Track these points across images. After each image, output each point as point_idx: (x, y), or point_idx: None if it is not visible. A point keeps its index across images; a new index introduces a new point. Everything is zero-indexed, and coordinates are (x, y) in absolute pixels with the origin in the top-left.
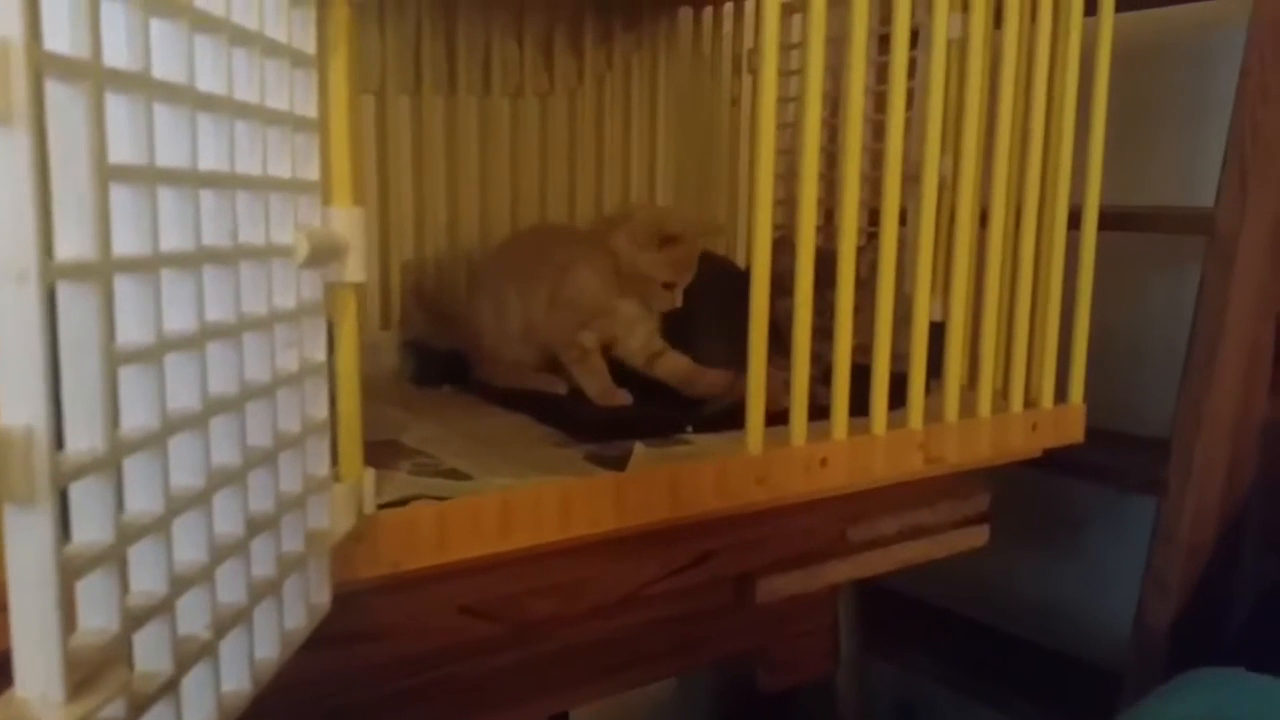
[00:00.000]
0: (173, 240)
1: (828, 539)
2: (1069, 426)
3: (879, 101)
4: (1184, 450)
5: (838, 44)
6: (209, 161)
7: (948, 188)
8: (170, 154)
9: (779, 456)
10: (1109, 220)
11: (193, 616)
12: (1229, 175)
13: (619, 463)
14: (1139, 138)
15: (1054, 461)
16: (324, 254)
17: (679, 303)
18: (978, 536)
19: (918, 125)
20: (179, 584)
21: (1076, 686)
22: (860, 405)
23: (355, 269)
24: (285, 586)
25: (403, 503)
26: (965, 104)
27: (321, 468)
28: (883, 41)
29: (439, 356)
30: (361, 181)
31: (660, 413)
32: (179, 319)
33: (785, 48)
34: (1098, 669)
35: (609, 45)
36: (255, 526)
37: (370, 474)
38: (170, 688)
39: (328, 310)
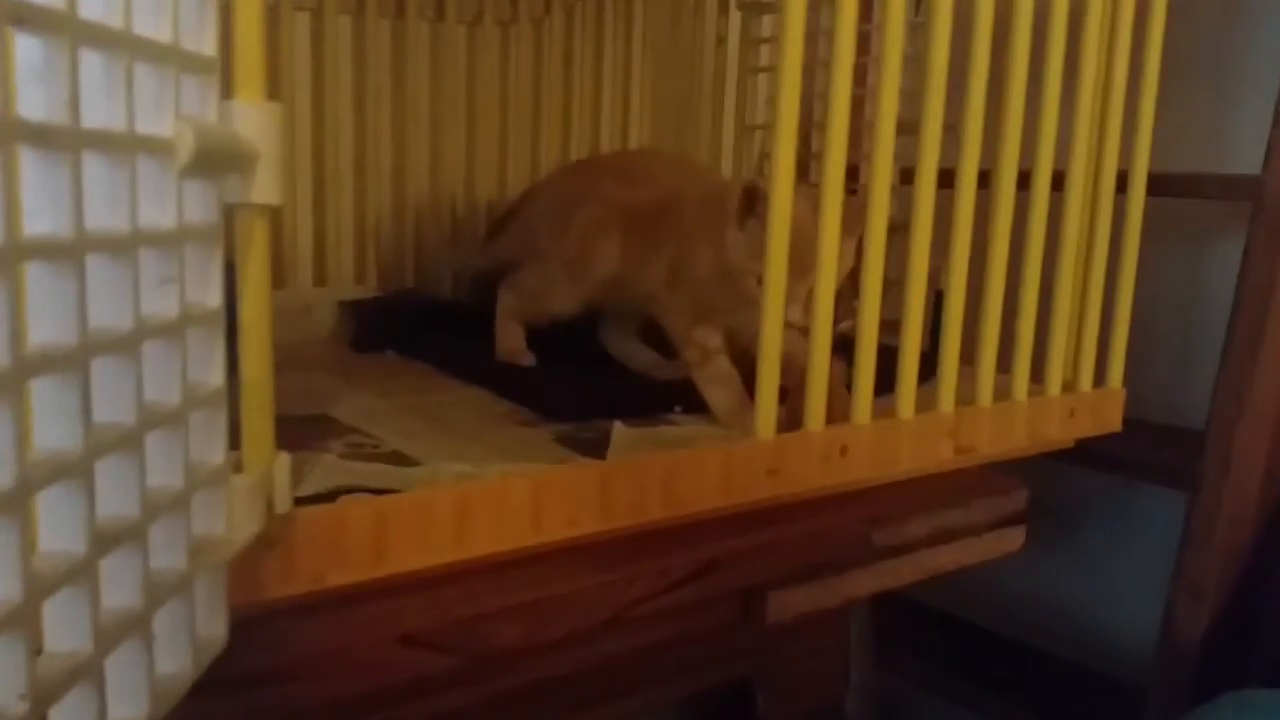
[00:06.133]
0: None
1: (849, 544)
2: (1107, 413)
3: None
4: (1221, 441)
5: None
6: None
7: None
8: None
9: (793, 443)
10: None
11: None
12: (1279, 135)
13: (595, 446)
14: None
15: (1073, 452)
16: (220, 160)
17: (788, 317)
18: (1014, 540)
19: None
20: None
21: (1095, 703)
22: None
23: (267, 187)
24: (158, 620)
25: (330, 496)
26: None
27: (214, 454)
28: None
29: (383, 318)
30: (289, 92)
31: (644, 390)
32: None
33: None
34: (1115, 684)
35: None
36: (106, 539)
37: (285, 461)
38: None
39: (228, 240)
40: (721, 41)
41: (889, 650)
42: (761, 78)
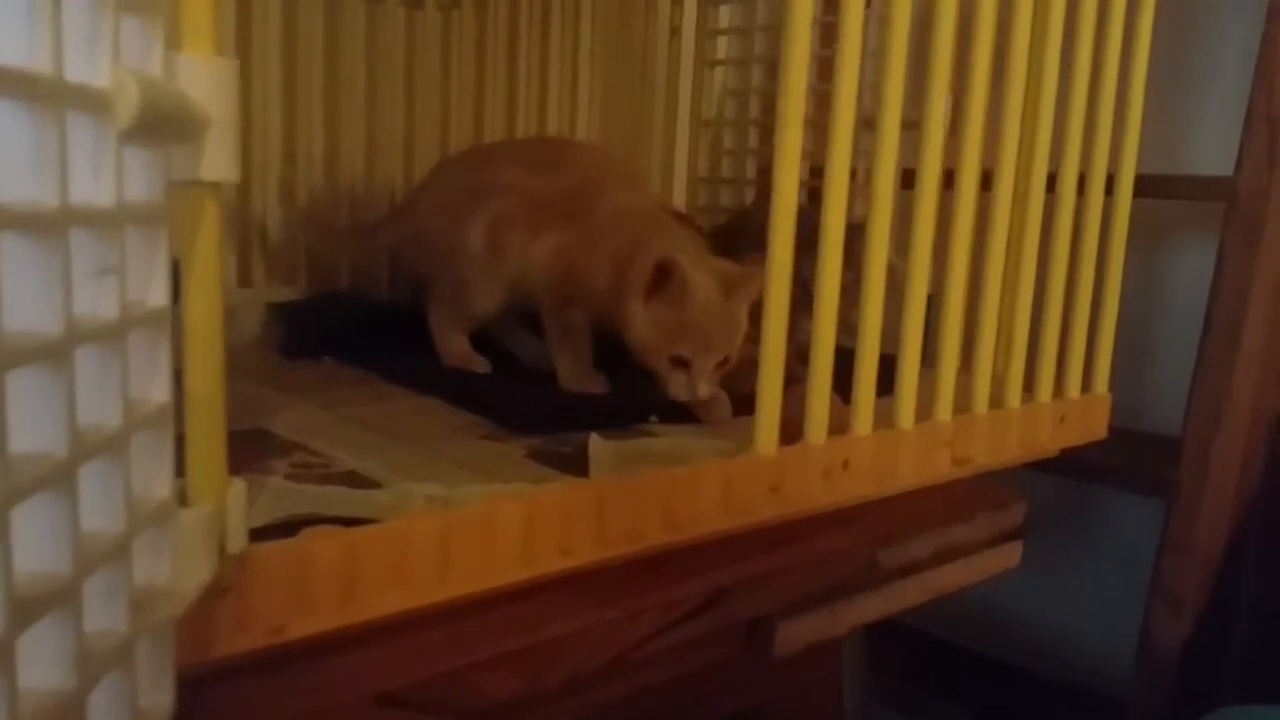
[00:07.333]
0: None
1: (857, 566)
2: (1094, 420)
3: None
4: (1199, 447)
5: None
6: None
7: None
8: None
9: (794, 458)
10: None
11: None
12: (1252, 133)
13: (574, 462)
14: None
15: (1044, 461)
16: (165, 124)
17: (696, 394)
18: (1012, 556)
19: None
20: None
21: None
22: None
23: (219, 160)
24: (93, 698)
25: (285, 528)
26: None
27: (158, 485)
28: None
29: (316, 321)
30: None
31: (615, 399)
32: None
33: None
34: (1091, 697)
35: None
36: (28, 605)
37: (240, 490)
38: None
39: (173, 224)
40: (676, 32)
41: (893, 681)
42: (718, 70)
